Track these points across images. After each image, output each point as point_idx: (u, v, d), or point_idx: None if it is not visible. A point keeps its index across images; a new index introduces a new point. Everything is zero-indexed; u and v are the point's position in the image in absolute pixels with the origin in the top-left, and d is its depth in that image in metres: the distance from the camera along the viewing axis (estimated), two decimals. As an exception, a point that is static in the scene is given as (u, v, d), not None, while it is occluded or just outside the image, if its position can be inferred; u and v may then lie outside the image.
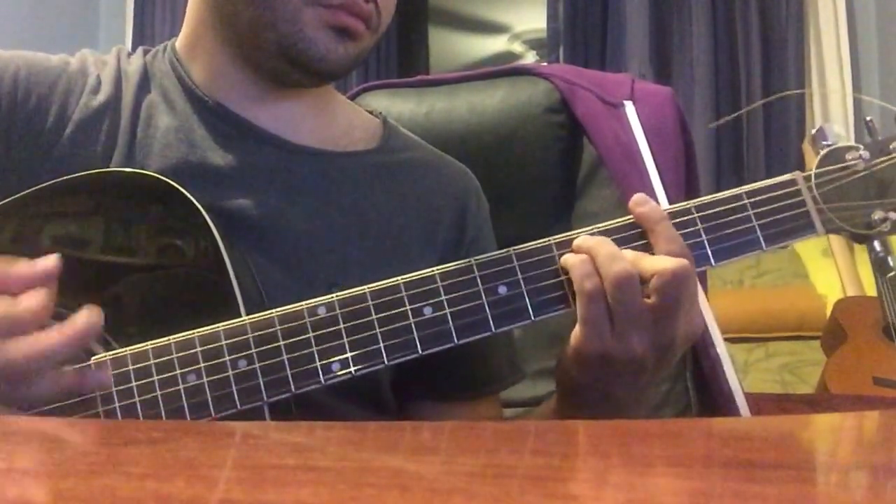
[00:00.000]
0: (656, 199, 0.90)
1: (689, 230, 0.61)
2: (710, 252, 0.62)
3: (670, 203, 0.66)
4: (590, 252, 0.59)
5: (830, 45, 2.52)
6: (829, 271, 2.19)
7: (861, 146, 0.64)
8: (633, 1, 2.72)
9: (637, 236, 0.61)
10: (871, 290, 2.01)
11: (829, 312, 2.02)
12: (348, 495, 0.25)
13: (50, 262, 0.54)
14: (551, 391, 0.70)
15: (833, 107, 2.48)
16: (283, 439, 0.39)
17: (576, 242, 0.60)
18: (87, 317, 0.53)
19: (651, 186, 0.91)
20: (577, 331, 0.59)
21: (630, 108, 0.97)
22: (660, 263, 0.57)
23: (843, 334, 1.91)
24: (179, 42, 0.77)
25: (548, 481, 0.28)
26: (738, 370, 0.86)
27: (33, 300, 0.53)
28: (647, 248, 0.60)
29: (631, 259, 0.58)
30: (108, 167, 0.68)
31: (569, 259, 0.60)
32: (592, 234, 0.61)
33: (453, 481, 0.28)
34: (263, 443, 0.37)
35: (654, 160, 0.92)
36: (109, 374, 0.57)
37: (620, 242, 0.60)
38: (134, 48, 0.79)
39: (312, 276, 0.68)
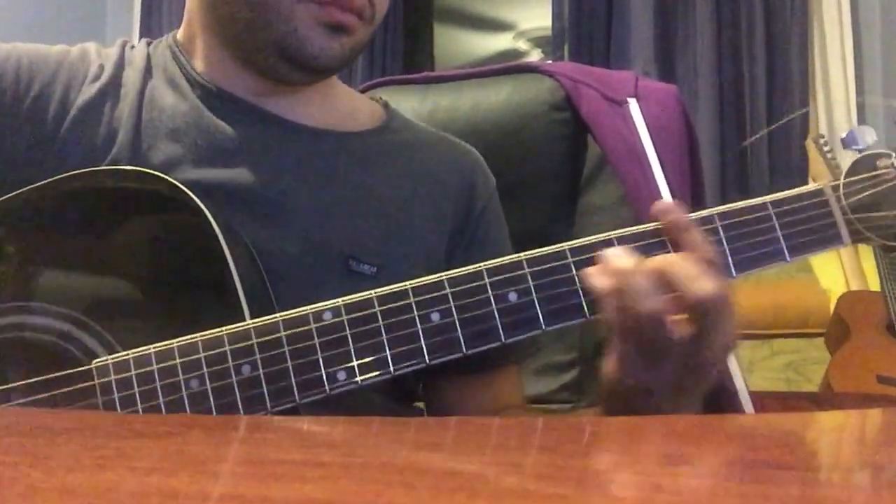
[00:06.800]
0: (660, 197, 0.90)
1: (710, 239, 0.58)
2: (731, 263, 0.58)
3: (678, 202, 0.64)
4: (618, 280, 0.55)
5: (834, 45, 2.52)
6: (833, 264, 2.17)
7: (894, 153, 0.61)
8: (638, -1, 2.72)
9: (659, 245, 0.58)
10: (874, 285, 2.00)
11: (832, 307, 2.01)
12: (353, 491, 0.25)
13: None
14: (552, 388, 0.70)
15: (836, 107, 2.47)
16: (288, 434, 0.39)
17: (602, 259, 0.56)
18: None
19: (655, 184, 0.90)
20: (607, 365, 0.57)
21: (634, 106, 0.96)
22: (699, 290, 0.53)
23: (847, 330, 1.90)
24: (180, 34, 0.78)
25: (553, 479, 0.28)
26: (742, 368, 0.85)
27: None
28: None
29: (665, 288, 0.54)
30: (111, 151, 0.69)
31: (595, 285, 0.56)
32: (614, 245, 0.57)
33: (458, 478, 0.28)
34: (269, 438, 0.37)
35: (658, 157, 0.92)
36: None
37: (642, 251, 0.57)
38: None
39: (328, 251, 0.69)
